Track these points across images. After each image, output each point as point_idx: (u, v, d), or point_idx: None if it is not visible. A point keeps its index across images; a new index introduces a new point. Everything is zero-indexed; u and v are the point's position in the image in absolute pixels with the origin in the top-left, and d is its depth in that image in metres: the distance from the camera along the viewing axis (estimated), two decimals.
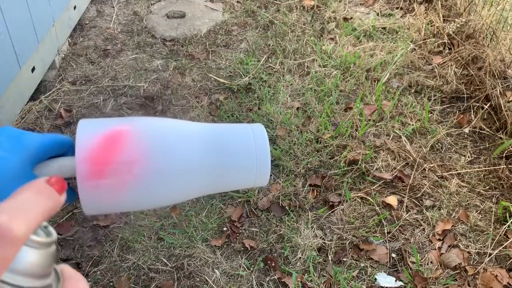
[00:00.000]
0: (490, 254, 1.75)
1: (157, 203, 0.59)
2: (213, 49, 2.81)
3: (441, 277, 1.69)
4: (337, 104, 2.41)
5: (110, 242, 1.78)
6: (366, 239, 1.81)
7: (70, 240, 1.79)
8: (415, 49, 2.79)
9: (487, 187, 2.01)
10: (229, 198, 1.94)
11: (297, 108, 2.37)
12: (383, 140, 2.19)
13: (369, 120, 2.30)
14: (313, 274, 1.68)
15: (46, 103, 2.35)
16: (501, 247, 1.77)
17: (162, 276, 1.68)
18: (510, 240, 1.79)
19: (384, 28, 2.96)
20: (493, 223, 1.86)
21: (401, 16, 3.10)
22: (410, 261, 1.74)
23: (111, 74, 2.59)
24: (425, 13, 3.05)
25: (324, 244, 1.79)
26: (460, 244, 1.79)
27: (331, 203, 1.92)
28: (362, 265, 1.72)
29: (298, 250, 1.76)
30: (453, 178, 2.03)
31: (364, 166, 2.05)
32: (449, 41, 2.78)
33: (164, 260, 1.72)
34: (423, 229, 1.84)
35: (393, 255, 1.76)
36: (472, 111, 2.37)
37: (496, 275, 1.68)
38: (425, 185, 1.99)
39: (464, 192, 1.98)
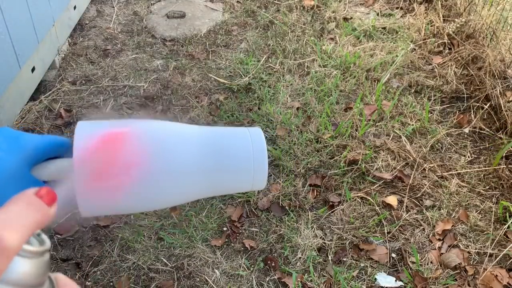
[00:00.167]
0: (490, 254, 1.75)
1: (154, 206, 0.59)
2: (213, 49, 2.81)
3: (441, 277, 1.69)
4: (337, 104, 2.41)
5: (110, 242, 1.78)
6: (366, 239, 1.81)
7: (70, 240, 1.79)
8: (415, 49, 2.79)
9: (487, 187, 2.01)
10: (229, 198, 1.94)
11: (297, 108, 2.37)
12: (383, 140, 2.19)
13: (369, 120, 2.30)
14: (313, 274, 1.68)
15: (46, 103, 2.35)
16: (501, 246, 1.77)
17: (162, 276, 1.68)
18: (510, 241, 1.79)
19: (384, 28, 2.96)
20: (493, 223, 1.86)
21: (401, 16, 3.10)
22: (410, 261, 1.74)
23: (111, 74, 2.59)
24: (425, 13, 3.05)
25: (324, 244, 1.79)
26: (460, 244, 1.79)
27: (331, 203, 1.92)
28: (362, 265, 1.72)
29: (298, 250, 1.76)
30: (453, 178, 2.03)
31: (364, 166, 2.05)
32: (449, 41, 2.78)
33: (164, 260, 1.72)
34: (423, 229, 1.84)
35: (393, 255, 1.76)
36: (472, 111, 2.37)
37: (496, 275, 1.68)
38: (425, 185, 1.99)
39: (464, 192, 1.98)
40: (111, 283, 1.65)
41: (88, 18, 3.04)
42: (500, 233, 1.81)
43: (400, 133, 2.23)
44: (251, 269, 1.70)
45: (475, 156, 2.16)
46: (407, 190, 1.98)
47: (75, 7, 2.83)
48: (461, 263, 1.72)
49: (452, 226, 1.85)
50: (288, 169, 2.05)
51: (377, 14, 3.13)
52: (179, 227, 1.83)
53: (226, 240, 1.79)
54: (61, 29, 2.64)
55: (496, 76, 2.36)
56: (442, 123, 2.32)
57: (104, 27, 2.98)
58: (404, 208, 1.92)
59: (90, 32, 2.93)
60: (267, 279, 1.68)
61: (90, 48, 2.78)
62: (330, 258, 1.74)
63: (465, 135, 2.26)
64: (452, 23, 2.78)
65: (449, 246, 1.79)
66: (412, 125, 2.27)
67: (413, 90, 2.50)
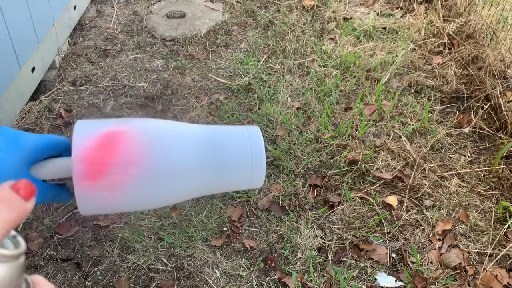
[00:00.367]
0: (490, 254, 1.75)
1: (153, 204, 0.59)
2: (213, 49, 2.81)
3: (441, 277, 1.69)
4: (337, 104, 2.41)
5: (110, 242, 1.78)
6: (366, 239, 1.81)
7: (70, 240, 1.79)
8: (415, 49, 2.79)
9: (487, 187, 2.01)
10: (229, 198, 1.94)
11: (297, 108, 2.37)
12: (383, 140, 2.19)
13: (369, 120, 2.30)
14: (313, 274, 1.68)
15: (46, 103, 2.35)
16: (501, 246, 1.77)
17: (162, 276, 1.68)
18: (510, 241, 1.79)
19: (384, 28, 2.96)
20: (493, 223, 1.86)
21: (401, 16, 3.10)
22: (410, 261, 1.74)
23: (111, 74, 2.59)
24: (425, 13, 3.05)
25: (324, 244, 1.79)
26: (460, 244, 1.79)
27: (331, 203, 1.92)
28: (362, 265, 1.72)
29: (298, 250, 1.76)
30: (453, 178, 2.03)
31: (364, 166, 2.05)
32: (449, 41, 2.78)
33: (164, 260, 1.72)
34: (423, 229, 1.84)
35: (393, 255, 1.76)
36: (472, 111, 2.37)
37: (496, 275, 1.68)
38: (425, 185, 1.99)
39: (464, 192, 1.98)
40: (111, 283, 1.65)
41: (88, 18, 3.04)
42: (500, 233, 1.81)
43: (400, 133, 2.23)
44: (251, 269, 1.70)
45: (475, 156, 2.16)
46: (407, 190, 1.98)
47: (75, 7, 2.83)
48: (461, 263, 1.72)
49: (452, 226, 1.85)
50: (288, 169, 2.05)
51: (377, 14, 3.13)
52: (179, 227, 1.83)
53: (226, 240, 1.79)
54: (61, 29, 2.64)
55: (496, 76, 2.36)
56: (442, 123, 2.32)
57: (104, 27, 2.98)
58: (404, 208, 1.92)
59: (90, 32, 2.93)
60: (267, 279, 1.68)
61: (90, 48, 2.78)
62: (330, 258, 1.74)
63: (465, 135, 2.26)
64: (452, 23, 2.78)
65: (449, 246, 1.79)
66: (412, 125, 2.27)
67: (413, 90, 2.50)
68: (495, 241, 1.79)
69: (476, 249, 1.78)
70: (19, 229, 1.79)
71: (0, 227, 0.29)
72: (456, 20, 2.76)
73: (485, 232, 1.83)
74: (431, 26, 2.92)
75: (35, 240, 1.76)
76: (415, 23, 2.97)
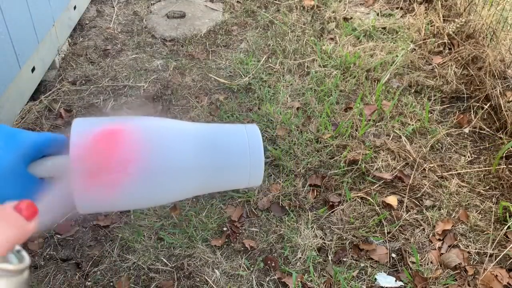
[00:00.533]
0: (490, 254, 1.75)
1: (151, 202, 0.59)
2: (213, 49, 2.81)
3: (441, 277, 1.69)
4: (337, 104, 2.41)
5: (110, 242, 1.78)
6: (366, 239, 1.81)
7: (70, 240, 1.79)
8: (415, 49, 2.79)
9: (487, 187, 2.01)
10: (229, 198, 1.94)
11: (297, 108, 2.37)
12: (383, 140, 2.19)
13: (369, 120, 2.30)
14: (313, 274, 1.68)
15: (46, 103, 2.35)
16: (501, 247, 1.77)
17: (162, 276, 1.68)
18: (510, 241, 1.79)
19: (384, 28, 2.96)
20: (493, 223, 1.86)
21: (401, 16, 3.10)
22: (410, 261, 1.74)
23: (111, 74, 2.59)
24: (425, 13, 3.05)
25: (324, 244, 1.79)
26: (460, 244, 1.79)
27: (331, 203, 1.92)
28: (362, 265, 1.72)
29: (298, 250, 1.76)
30: (453, 178, 2.03)
31: (364, 166, 2.05)
32: (449, 41, 2.78)
33: (164, 260, 1.72)
34: (423, 229, 1.84)
35: (393, 255, 1.76)
36: (472, 111, 2.37)
37: (496, 275, 1.68)
38: (425, 185, 1.99)
39: (464, 192, 1.98)
40: (111, 283, 1.65)
41: (88, 18, 3.04)
42: (500, 233, 1.81)
43: (400, 133, 2.23)
44: (251, 269, 1.70)
45: (475, 156, 2.16)
46: (407, 190, 1.98)
47: (75, 7, 2.83)
48: (461, 263, 1.72)
49: (452, 226, 1.85)
50: (288, 169, 2.05)
51: (377, 14, 3.13)
52: (179, 227, 1.83)
53: (226, 240, 1.79)
54: (61, 29, 2.64)
55: (496, 76, 2.36)
56: (442, 123, 2.32)
57: (104, 27, 2.98)
58: (404, 208, 1.92)
59: (90, 32, 2.93)
60: (267, 279, 1.68)
61: (90, 48, 2.78)
62: (330, 258, 1.74)
63: (465, 135, 2.26)
64: (452, 23, 2.78)
65: (449, 246, 1.79)
66: (412, 125, 2.27)
67: (413, 90, 2.50)
68: (495, 241, 1.79)
69: (476, 249, 1.78)
70: None
71: (4, 244, 0.30)
72: (456, 20, 2.76)
73: (485, 232, 1.83)
74: (431, 26, 2.92)
75: (35, 240, 1.76)
76: (415, 23, 2.97)
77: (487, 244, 1.79)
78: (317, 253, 1.76)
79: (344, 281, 1.66)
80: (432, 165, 2.08)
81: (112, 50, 2.78)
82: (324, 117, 2.29)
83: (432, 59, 2.70)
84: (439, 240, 1.81)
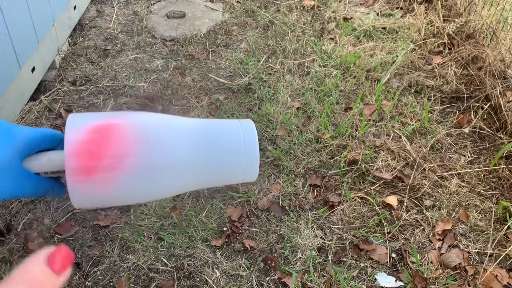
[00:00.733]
0: (490, 254, 1.75)
1: (147, 198, 0.59)
2: (213, 49, 2.81)
3: (441, 277, 1.69)
4: (337, 104, 2.41)
5: (110, 242, 1.78)
6: (366, 239, 1.81)
7: (70, 240, 1.79)
8: (415, 49, 2.79)
9: (487, 187, 2.01)
10: (229, 198, 1.94)
11: (297, 108, 2.37)
12: (383, 140, 2.19)
13: (369, 120, 2.30)
14: (313, 274, 1.68)
15: (46, 103, 2.35)
16: (501, 247, 1.77)
17: (162, 276, 1.68)
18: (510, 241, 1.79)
19: (384, 28, 2.96)
20: (493, 223, 1.86)
21: (401, 16, 3.10)
22: (410, 261, 1.74)
23: (111, 74, 2.59)
24: (425, 13, 3.05)
25: (324, 244, 1.79)
26: (460, 244, 1.79)
27: (331, 203, 1.92)
28: (362, 265, 1.72)
29: (298, 250, 1.76)
30: (453, 178, 2.03)
31: (364, 166, 2.05)
32: (449, 41, 2.78)
33: (164, 260, 1.72)
34: (423, 229, 1.84)
35: (393, 255, 1.76)
36: (472, 111, 2.37)
37: (496, 275, 1.68)
38: (425, 185, 1.99)
39: (464, 192, 1.98)
40: (111, 283, 1.65)
41: (88, 18, 3.04)
42: (500, 233, 1.81)
43: (400, 133, 2.23)
44: (251, 269, 1.70)
45: (475, 156, 2.16)
46: (407, 190, 1.98)
47: (75, 7, 2.83)
48: (461, 263, 1.72)
49: (452, 226, 1.85)
50: (288, 169, 2.05)
51: (377, 14, 3.13)
52: (179, 227, 1.83)
53: (226, 240, 1.79)
54: (61, 29, 2.64)
55: (496, 76, 2.36)
56: (442, 123, 2.32)
57: (104, 27, 2.98)
58: (404, 208, 1.92)
59: (90, 32, 2.93)
60: (267, 279, 1.68)
61: (90, 48, 2.78)
62: (330, 258, 1.74)
63: (465, 135, 2.26)
64: (452, 23, 2.78)
65: (449, 246, 1.79)
66: (412, 125, 2.27)
67: (413, 90, 2.50)
68: (495, 241, 1.79)
69: (476, 249, 1.78)
70: (19, 229, 1.80)
71: None
72: (456, 20, 2.76)
73: (485, 232, 1.83)
74: (431, 26, 2.92)
75: (35, 240, 1.76)
76: (415, 23, 2.97)
77: (487, 244, 1.79)
78: (317, 253, 1.76)
79: (344, 281, 1.66)
80: (432, 165, 2.08)
81: (112, 50, 2.78)
82: (324, 117, 2.29)
83: (432, 59, 2.70)
84: (439, 240, 1.81)
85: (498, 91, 2.28)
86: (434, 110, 2.38)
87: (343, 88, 2.50)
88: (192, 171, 0.57)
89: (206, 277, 1.67)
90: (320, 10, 3.16)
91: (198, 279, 1.66)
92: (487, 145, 2.21)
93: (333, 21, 3.03)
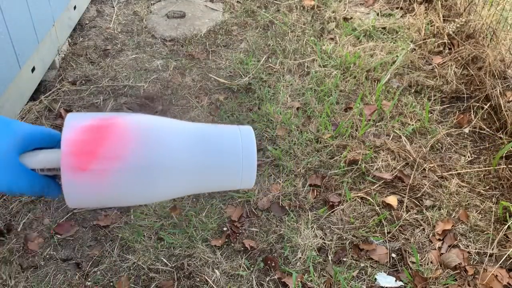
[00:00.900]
0: (490, 254, 1.75)
1: (143, 199, 0.59)
2: (213, 49, 2.81)
3: (441, 277, 1.69)
4: (337, 104, 2.41)
5: (110, 242, 1.78)
6: (366, 239, 1.81)
7: (70, 240, 1.79)
8: (415, 49, 2.79)
9: (487, 187, 2.01)
10: (229, 198, 1.94)
11: (297, 108, 2.37)
12: (383, 140, 2.19)
13: (369, 120, 2.30)
14: (313, 274, 1.68)
15: (46, 103, 2.35)
16: (501, 247, 1.77)
17: (162, 276, 1.68)
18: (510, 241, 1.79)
19: (384, 28, 2.96)
20: (493, 223, 1.86)
21: (401, 16, 3.10)
22: (410, 261, 1.74)
23: (111, 74, 2.59)
24: (425, 13, 3.05)
25: (324, 244, 1.79)
26: (460, 244, 1.79)
27: (331, 203, 1.92)
28: (362, 265, 1.72)
29: (298, 250, 1.76)
30: (453, 178, 2.03)
31: (364, 166, 2.05)
32: (449, 41, 2.78)
33: (164, 260, 1.72)
34: (423, 229, 1.84)
35: (393, 255, 1.76)
36: (472, 111, 2.37)
37: (496, 275, 1.68)
38: (425, 185, 1.99)
39: (464, 192, 1.98)
40: (111, 283, 1.65)
41: (88, 18, 3.04)
42: (500, 233, 1.81)
43: (400, 133, 2.23)
44: (251, 269, 1.70)
45: (475, 156, 2.16)
46: (407, 190, 1.98)
47: (75, 7, 2.83)
48: (461, 263, 1.72)
49: (452, 226, 1.85)
50: (288, 169, 2.05)
51: (377, 14, 3.13)
52: (179, 227, 1.83)
53: (226, 240, 1.79)
54: (61, 29, 2.64)
55: (496, 76, 2.36)
56: (442, 123, 2.32)
57: (104, 27, 2.98)
58: (404, 208, 1.92)
59: (90, 32, 2.93)
60: (267, 279, 1.68)
61: (90, 48, 2.78)
62: (330, 258, 1.74)
63: (465, 135, 2.26)
64: (452, 23, 2.78)
65: (449, 246, 1.79)
66: (412, 125, 2.27)
67: (413, 90, 2.50)
68: (495, 241, 1.79)
69: (476, 249, 1.78)
70: (19, 229, 1.80)
71: None
72: (456, 20, 2.76)
73: (485, 232, 1.83)
74: (431, 26, 2.92)
75: (35, 240, 1.76)
76: (415, 23, 2.97)
77: (487, 244, 1.79)
78: (317, 253, 1.76)
79: (344, 281, 1.66)
80: (432, 165, 2.08)
81: (112, 50, 2.78)
82: (324, 117, 2.29)
83: (432, 59, 2.70)
84: (439, 240, 1.81)
85: (498, 91, 2.28)
86: (434, 110, 2.38)
87: (343, 88, 2.50)
88: (189, 174, 0.57)
89: (206, 277, 1.67)
90: (320, 10, 3.16)
91: (198, 279, 1.66)
92: (487, 145, 2.21)
93: (333, 21, 3.03)
